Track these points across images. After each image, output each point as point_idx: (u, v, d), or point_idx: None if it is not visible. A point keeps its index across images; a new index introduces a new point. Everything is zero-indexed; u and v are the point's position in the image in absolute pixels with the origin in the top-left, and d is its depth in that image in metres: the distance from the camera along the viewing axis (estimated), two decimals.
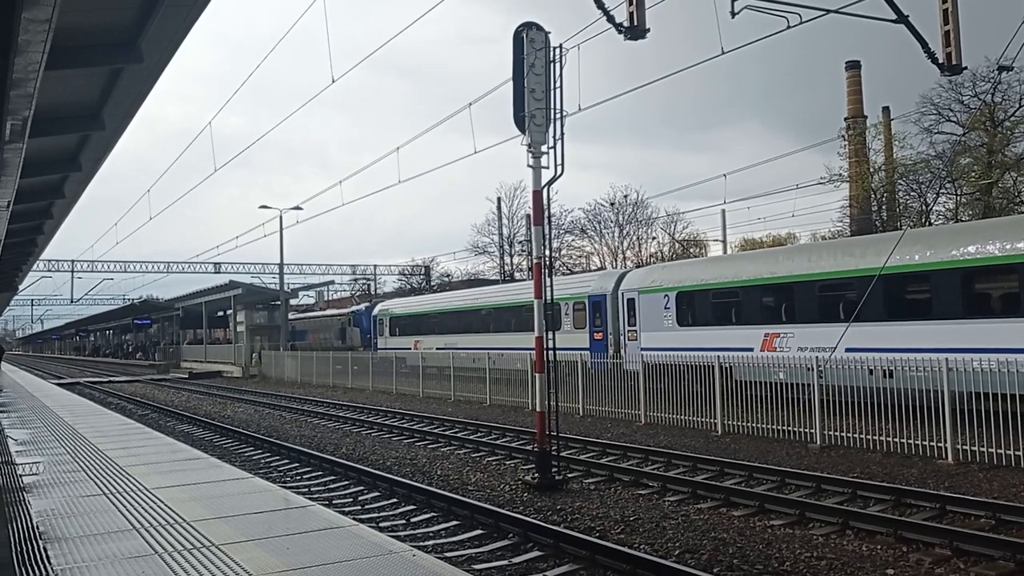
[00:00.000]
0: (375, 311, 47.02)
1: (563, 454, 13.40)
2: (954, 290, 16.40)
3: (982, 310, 15.94)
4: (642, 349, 23.42)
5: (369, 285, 77.94)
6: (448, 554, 8.67)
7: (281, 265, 51.84)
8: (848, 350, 17.18)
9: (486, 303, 36.34)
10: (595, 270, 51.52)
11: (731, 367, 17.75)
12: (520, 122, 12.59)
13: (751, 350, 19.92)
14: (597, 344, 27.39)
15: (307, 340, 53.47)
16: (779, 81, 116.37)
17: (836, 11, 13.04)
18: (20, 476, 9.54)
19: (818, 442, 15.09)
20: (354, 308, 57.48)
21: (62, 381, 44.71)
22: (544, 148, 12.68)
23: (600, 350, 26.51)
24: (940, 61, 12.97)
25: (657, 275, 25.20)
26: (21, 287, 47.65)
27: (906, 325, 17.06)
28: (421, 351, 35.29)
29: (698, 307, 22.80)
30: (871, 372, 15.54)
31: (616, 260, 59.55)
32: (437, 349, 35.52)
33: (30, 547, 6.25)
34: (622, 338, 25.86)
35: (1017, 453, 12.51)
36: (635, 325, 25.00)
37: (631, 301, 25.39)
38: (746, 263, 22.85)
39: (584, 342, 27.65)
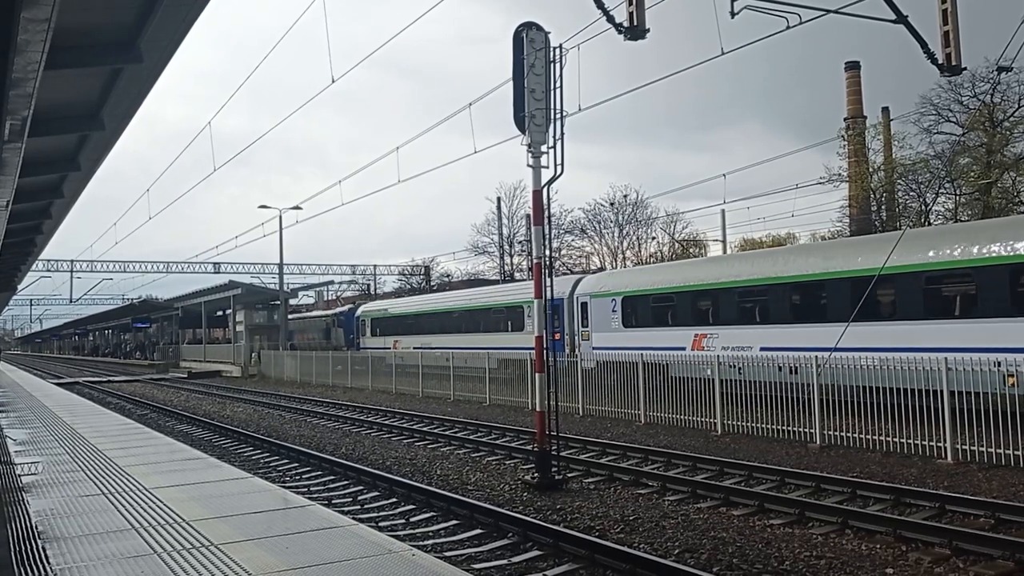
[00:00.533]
0: (357, 312, 49.18)
1: (563, 454, 13.41)
2: (843, 296, 18.43)
3: (864, 314, 17.27)
4: (593, 348, 25.98)
5: (369, 285, 77.98)
6: (447, 553, 8.67)
7: (281, 265, 51.85)
8: (763, 349, 19.32)
9: (456, 306, 38.84)
10: (595, 270, 51.71)
11: (667, 364, 19.44)
12: (520, 122, 12.59)
13: (683, 349, 21.75)
14: (556, 344, 28.47)
15: (294, 340, 55.21)
16: (780, 81, 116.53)
17: (836, 11, 13.04)
18: (19, 476, 9.53)
19: (818, 442, 15.10)
20: (339, 310, 58.39)
21: (61, 381, 44.70)
22: (544, 148, 12.68)
23: (559, 349, 27.32)
24: (940, 61, 12.96)
25: (606, 281, 27.88)
26: (20, 287, 47.64)
27: (809, 327, 19.07)
28: (399, 351, 37.01)
29: (640, 310, 25.15)
30: (780, 369, 17.09)
31: (616, 260, 59.59)
32: (414, 348, 36.77)
33: (29, 547, 6.25)
34: (577, 338, 28.03)
35: (1016, 453, 12.52)
36: (588, 326, 27.35)
37: (584, 305, 27.72)
38: (680, 270, 25.58)
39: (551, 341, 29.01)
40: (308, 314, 68.41)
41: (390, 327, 43.74)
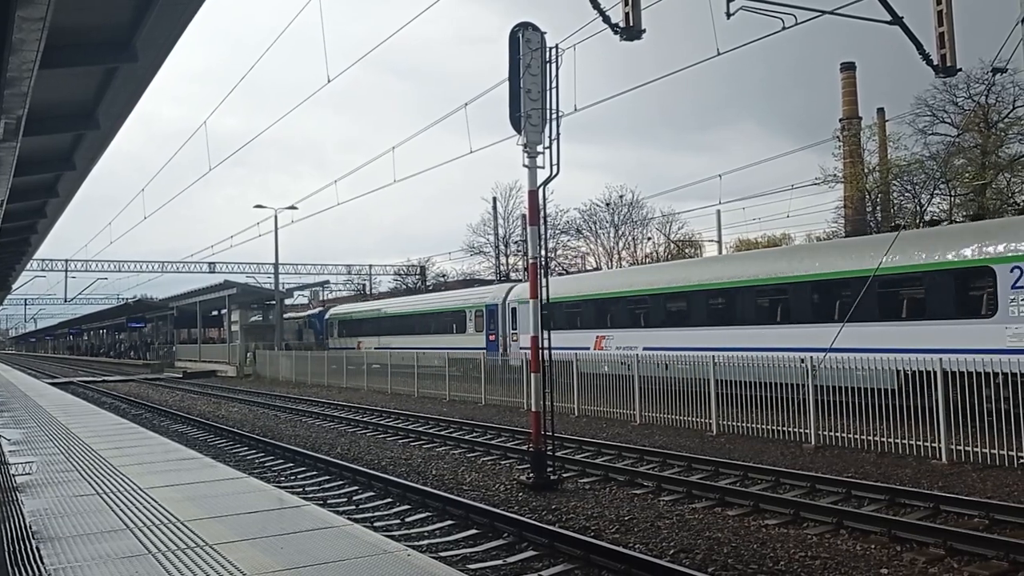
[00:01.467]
0: (326, 315, 53.05)
1: (558, 454, 13.41)
2: (701, 305, 22.81)
3: (718, 320, 22.19)
4: (520, 348, 28.71)
5: (364, 285, 77.91)
6: (443, 554, 8.67)
7: (276, 265, 51.74)
8: (646, 348, 22.72)
9: (411, 310, 42.52)
10: (591, 269, 51.80)
11: (577, 362, 22.03)
12: (516, 122, 12.59)
13: (588, 348, 25.67)
14: (491, 344, 33.01)
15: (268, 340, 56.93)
16: (777, 82, 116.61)
17: (831, 12, 13.06)
18: (13, 476, 9.50)
19: (813, 442, 15.12)
20: (310, 312, 60.17)
21: (56, 380, 44.59)
22: (540, 148, 12.68)
23: (493, 349, 31.98)
24: (935, 63, 12.99)
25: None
26: (14, 286, 47.49)
27: (677, 331, 22.98)
28: (362, 351, 39.89)
29: (556, 316, 27.28)
30: (658, 365, 20.25)
31: (612, 260, 59.63)
32: (375, 348, 40.19)
33: (23, 547, 6.23)
34: (508, 339, 32.06)
35: (1010, 453, 12.56)
36: (516, 329, 31.37)
37: (514, 310, 31.96)
38: (586, 281, 29.98)
39: (482, 343, 33.40)
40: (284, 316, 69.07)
41: (355, 329, 47.46)
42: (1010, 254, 16.09)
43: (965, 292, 16.88)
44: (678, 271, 25.40)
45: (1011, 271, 15.90)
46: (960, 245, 17.24)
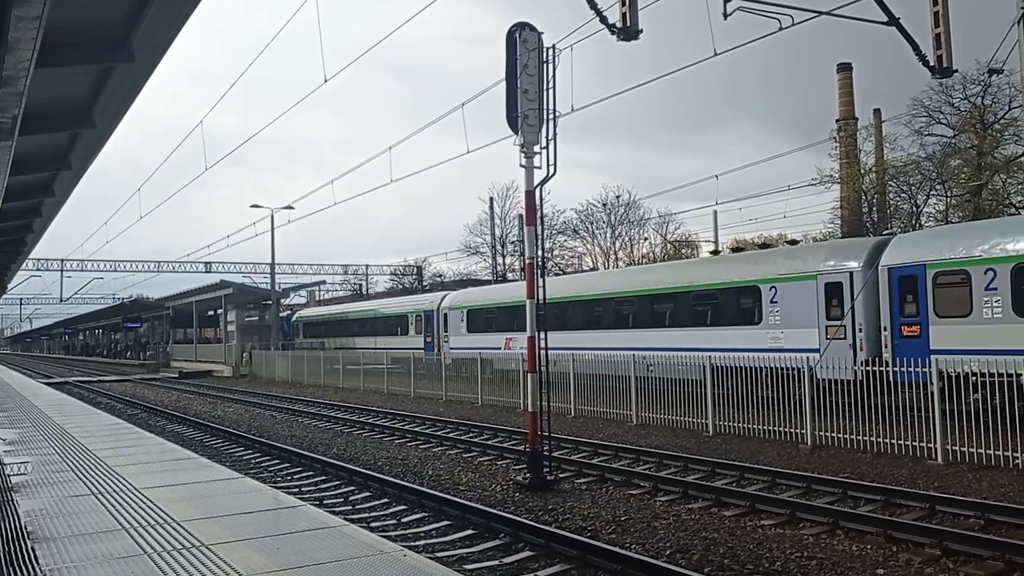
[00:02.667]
0: (293, 317, 58.29)
1: (555, 454, 13.40)
2: (577, 312, 27.89)
3: (591, 325, 27.21)
4: (450, 348, 34.78)
5: (361, 285, 77.87)
6: (439, 554, 8.66)
7: (272, 265, 51.71)
8: (608, 348, 25.74)
9: (366, 314, 47.26)
10: (588, 269, 51.92)
11: (492, 360, 26.51)
12: (513, 122, 12.59)
13: (499, 348, 30.23)
14: (428, 345, 37.89)
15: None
16: (774, 82, 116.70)
17: (828, 13, 13.10)
18: (8, 476, 9.48)
19: (809, 442, 15.14)
20: (281, 315, 60.89)
21: (51, 380, 44.49)
22: (537, 148, 12.68)
23: (430, 350, 36.87)
24: (931, 64, 13.04)
25: (460, 297, 37.26)
26: (10, 286, 47.36)
27: (560, 333, 25.37)
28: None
29: (476, 320, 34.34)
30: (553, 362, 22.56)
31: (608, 261, 59.66)
32: (335, 348, 43.59)
33: (18, 547, 6.22)
34: (441, 340, 36.82)
35: (1006, 454, 12.59)
36: (447, 331, 36.44)
37: (445, 315, 36.86)
38: (499, 292, 35.53)
39: (421, 343, 38.38)
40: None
41: (317, 331, 52.25)
42: (768, 276, 21.04)
43: (742, 305, 21.76)
44: (566, 284, 30.61)
45: (769, 289, 20.89)
46: (741, 268, 22.40)
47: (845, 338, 18.78)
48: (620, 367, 20.12)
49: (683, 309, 23.61)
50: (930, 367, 14.02)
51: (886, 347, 17.98)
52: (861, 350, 18.45)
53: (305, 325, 54.63)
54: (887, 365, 15.92)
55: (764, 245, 26.80)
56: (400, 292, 63.92)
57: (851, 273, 19.15)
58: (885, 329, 18.18)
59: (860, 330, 18.67)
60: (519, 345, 27.31)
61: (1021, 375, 13.75)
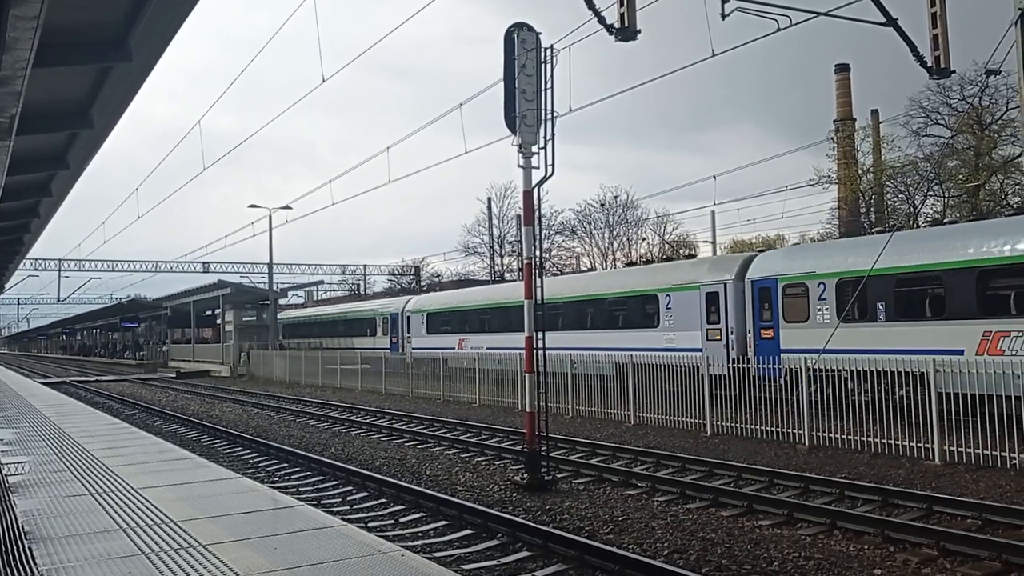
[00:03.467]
0: None
1: (552, 454, 13.41)
2: (502, 317, 31.52)
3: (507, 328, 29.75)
4: (412, 348, 37.92)
5: (358, 286, 77.85)
6: (437, 554, 8.66)
7: (270, 265, 51.67)
8: (488, 348, 30.01)
9: (339, 316, 50.77)
10: (585, 270, 51.96)
11: (447, 359, 28.90)
12: (511, 123, 12.60)
13: (453, 348, 33.64)
14: (394, 345, 41.18)
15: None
16: (772, 83, 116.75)
17: (826, 13, 13.11)
18: (5, 476, 9.47)
19: (807, 443, 15.15)
20: None
21: (49, 380, 44.42)
22: (535, 149, 12.69)
23: (395, 349, 39.92)
24: (929, 64, 13.05)
25: (420, 302, 41.65)
26: (7, 286, 47.29)
27: (498, 335, 30.60)
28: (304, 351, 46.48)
29: (435, 322, 38.23)
30: (495, 360, 26.33)
31: (606, 261, 59.66)
32: (312, 348, 46.54)
33: (15, 547, 6.21)
34: (404, 341, 40.18)
35: (1003, 454, 12.61)
36: (410, 333, 39.98)
37: (408, 318, 40.57)
38: (454, 296, 40.05)
39: (387, 344, 41.59)
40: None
41: (298, 331, 55.34)
42: (663, 286, 24.47)
43: (646, 311, 25.16)
44: (511, 291, 33.08)
45: (665, 297, 24.26)
46: (645, 279, 26.10)
47: (721, 339, 22.03)
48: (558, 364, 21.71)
49: (601, 314, 27.28)
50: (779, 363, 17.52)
51: (751, 347, 21.01)
52: (732, 350, 21.36)
53: (285, 327, 56.86)
54: (750, 362, 18.38)
55: (667, 258, 30.08)
56: (369, 296, 67.54)
57: (725, 284, 22.38)
58: (750, 332, 21.34)
59: (732, 333, 21.87)
60: (470, 345, 32.73)
61: (841, 371, 16.10)
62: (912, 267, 17.58)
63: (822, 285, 19.30)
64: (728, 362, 19.29)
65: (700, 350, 21.60)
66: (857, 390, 15.83)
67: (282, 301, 61.10)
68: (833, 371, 15.89)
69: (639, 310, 25.59)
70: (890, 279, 17.70)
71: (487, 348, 30.06)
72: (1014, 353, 14.96)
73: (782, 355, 18.81)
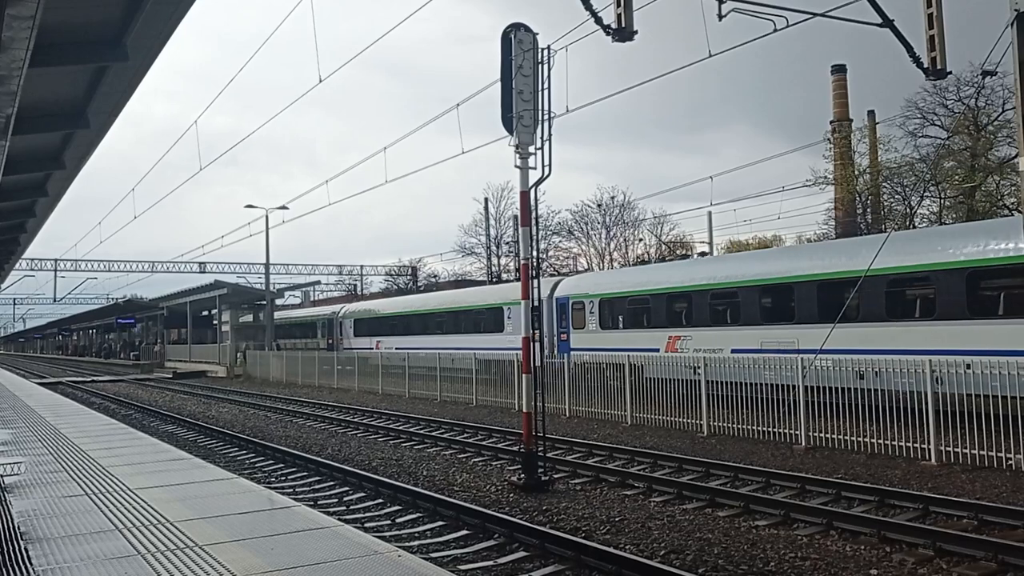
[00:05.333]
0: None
1: (549, 455, 13.41)
2: (452, 321, 36.82)
3: (462, 330, 35.40)
4: (343, 348, 44.51)
5: (355, 286, 77.79)
6: (434, 555, 8.66)
7: (267, 265, 51.62)
8: (397, 348, 36.47)
9: (289, 320, 56.23)
10: (582, 270, 52.04)
11: (388, 358, 33.58)
12: (508, 123, 12.58)
13: (391, 348, 37.84)
14: (330, 346, 47.30)
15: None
16: (770, 83, 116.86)
17: (822, 14, 13.10)
18: (1, 476, 9.45)
19: (803, 443, 15.16)
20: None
21: (44, 380, 44.34)
22: (531, 149, 12.67)
23: (331, 350, 44.82)
24: (925, 65, 13.04)
25: (349, 309, 48.97)
26: (3, 286, 47.19)
27: (449, 336, 35.56)
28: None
29: (360, 327, 45.13)
30: (452, 360, 29.23)
31: (603, 261, 59.67)
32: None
33: (11, 548, 6.20)
34: (338, 343, 46.91)
35: (999, 455, 12.63)
36: (343, 335, 46.76)
37: (342, 322, 47.33)
38: (373, 304, 48.38)
39: (325, 345, 48.02)
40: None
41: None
42: (507, 301, 31.37)
43: (498, 319, 32.79)
44: (409, 302, 43.68)
45: (508, 309, 31.55)
46: (495, 296, 34.57)
47: (539, 341, 23.75)
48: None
49: (466, 321, 35.39)
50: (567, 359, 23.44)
51: (554, 347, 27.81)
52: (545, 349, 25.28)
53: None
54: (553, 357, 25.10)
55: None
56: (320, 303, 72.58)
57: (543, 301, 26.32)
58: (554, 336, 28.32)
59: (545, 336, 26.92)
60: (383, 346, 39.48)
61: (602, 363, 21.36)
62: (635, 292, 25.62)
63: (592, 303, 27.03)
64: (543, 358, 21.95)
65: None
66: (611, 376, 20.81)
67: (278, 301, 61.01)
68: (596, 363, 21.61)
69: (493, 319, 33.38)
70: (623, 299, 25.89)
71: (396, 348, 36.74)
72: (683, 350, 22.30)
73: (571, 352, 25.91)
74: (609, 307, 26.35)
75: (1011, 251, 15.76)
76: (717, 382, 18.47)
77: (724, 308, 22.23)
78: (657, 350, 22.30)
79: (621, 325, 25.70)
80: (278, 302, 59.85)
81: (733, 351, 20.49)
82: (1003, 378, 13.17)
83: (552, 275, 47.93)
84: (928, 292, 17.25)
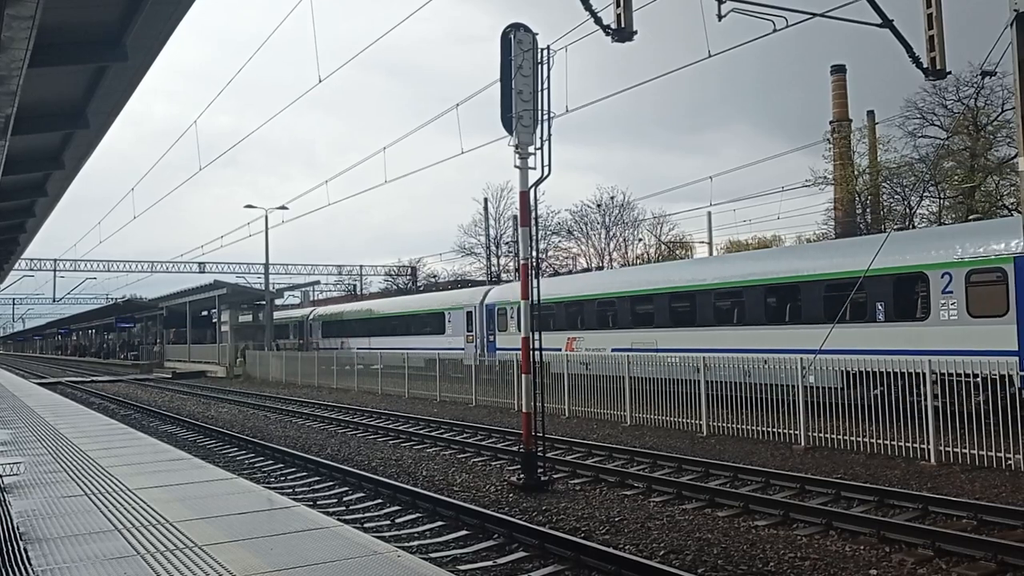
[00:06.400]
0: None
1: (549, 455, 13.41)
2: (376, 325, 43.23)
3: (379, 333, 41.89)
4: (313, 348, 48.72)
5: (355, 286, 77.77)
6: (433, 555, 8.66)
7: (267, 265, 51.64)
8: (358, 348, 39.78)
9: (275, 321, 57.70)
10: (581, 271, 52.07)
11: (340, 357, 37.21)
12: (507, 123, 12.58)
13: (339, 349, 42.51)
14: (302, 345, 51.16)
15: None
16: (769, 83, 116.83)
17: (822, 15, 13.10)
18: (1, 476, 9.45)
19: (802, 443, 15.16)
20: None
21: (44, 380, 44.34)
22: (531, 149, 12.67)
23: (303, 348, 49.21)
24: (924, 65, 13.05)
25: (318, 312, 54.41)
26: (2, 286, 47.19)
27: (385, 338, 40.57)
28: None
29: (328, 328, 49.91)
30: (402, 360, 31.33)
31: (603, 261, 59.64)
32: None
33: (10, 548, 6.20)
34: (308, 342, 51.47)
35: (999, 455, 12.63)
36: (312, 336, 51.70)
37: (311, 324, 52.29)
38: (339, 308, 52.88)
39: (294, 344, 52.94)
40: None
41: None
42: (447, 306, 37.16)
43: (440, 322, 37.17)
44: (363, 306, 50.38)
45: (447, 313, 36.79)
46: (435, 302, 40.01)
47: (473, 342, 33.52)
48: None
49: (416, 324, 39.37)
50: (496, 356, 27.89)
51: (485, 346, 32.33)
52: (477, 349, 32.14)
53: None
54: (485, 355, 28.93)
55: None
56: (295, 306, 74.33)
57: (475, 307, 34.83)
58: (485, 337, 33.12)
59: (477, 337, 33.81)
60: (348, 346, 43.05)
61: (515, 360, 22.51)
62: (543, 300, 27.99)
63: (512, 309, 30.29)
64: (478, 357, 28.36)
65: (463, 349, 33.49)
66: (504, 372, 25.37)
67: (278, 301, 60.98)
68: (508, 361, 25.13)
69: (436, 322, 37.55)
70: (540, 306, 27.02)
71: (357, 348, 40.63)
72: (578, 349, 26.06)
73: (497, 351, 30.21)
74: None
75: (781, 272, 20.84)
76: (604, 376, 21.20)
77: (606, 315, 26.50)
78: (559, 349, 25.54)
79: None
80: (277, 302, 59.82)
81: (613, 350, 23.46)
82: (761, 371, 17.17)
83: (552, 275, 48.21)
84: (738, 302, 21.76)
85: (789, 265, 20.94)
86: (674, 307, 23.54)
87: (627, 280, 27.19)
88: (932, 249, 17.43)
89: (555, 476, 12.91)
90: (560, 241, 61.60)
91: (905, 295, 17.76)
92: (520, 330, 20.50)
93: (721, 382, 18.25)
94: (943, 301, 16.76)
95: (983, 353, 14.81)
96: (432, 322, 37.62)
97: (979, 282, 16.29)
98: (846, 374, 16.42)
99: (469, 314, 34.82)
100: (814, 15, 13.07)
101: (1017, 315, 15.49)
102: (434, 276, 70.66)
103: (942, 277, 16.82)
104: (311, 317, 52.33)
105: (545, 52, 12.71)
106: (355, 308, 50.31)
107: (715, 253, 48.62)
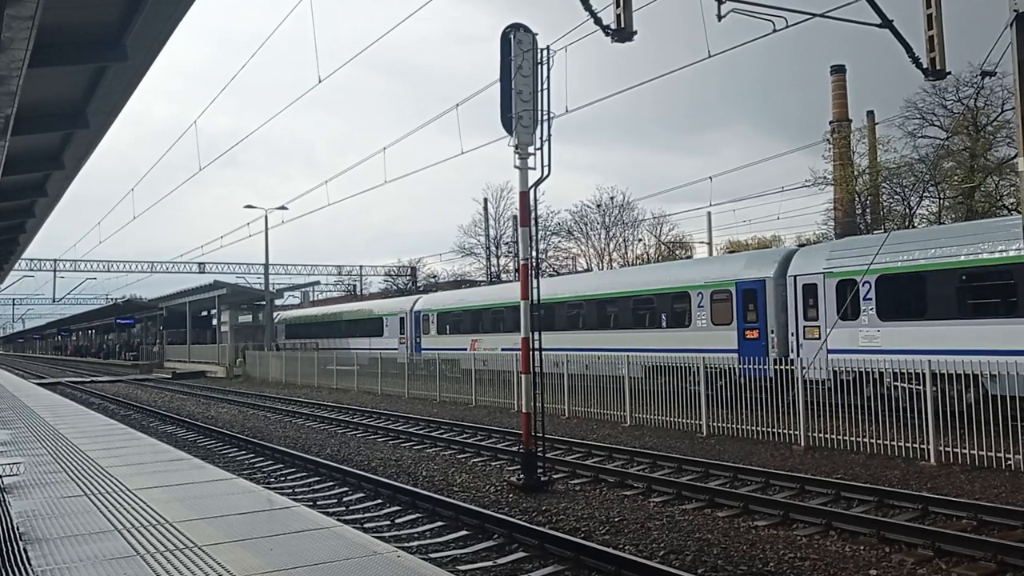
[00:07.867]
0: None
1: (548, 455, 13.41)
2: (347, 327, 46.67)
3: (337, 335, 47.35)
4: (283, 349, 50.06)
5: (355, 286, 77.76)
6: (433, 555, 8.66)
7: (266, 265, 51.64)
8: (341, 348, 43.11)
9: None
10: (581, 271, 52.11)
11: (320, 356, 39.30)
12: (507, 123, 12.59)
13: (329, 348, 44.18)
14: (277, 347, 51.72)
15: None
16: (769, 83, 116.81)
17: (821, 15, 13.10)
18: (0, 477, 9.44)
19: (802, 443, 15.16)
20: None
21: (44, 381, 44.33)
22: (531, 149, 12.68)
23: (277, 348, 50.63)
24: (924, 66, 13.05)
25: (285, 315, 58.67)
26: (2, 286, 47.19)
27: (336, 339, 46.06)
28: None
29: (293, 330, 54.48)
30: (334, 356, 37.02)
31: (602, 262, 59.66)
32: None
33: (10, 548, 6.19)
34: (277, 343, 52.68)
35: (998, 455, 12.63)
36: (278, 338, 53.28)
37: (277, 327, 53.97)
38: (302, 312, 59.22)
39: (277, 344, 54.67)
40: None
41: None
42: (384, 313, 42.31)
43: (382, 326, 41.68)
44: (328, 310, 55.00)
45: (385, 319, 41.56)
46: (376, 308, 44.98)
47: (406, 343, 38.91)
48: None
49: (362, 327, 43.96)
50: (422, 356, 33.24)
51: (414, 347, 37.40)
52: (409, 349, 37.10)
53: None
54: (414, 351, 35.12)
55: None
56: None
57: (407, 312, 39.69)
58: (413, 339, 38.32)
59: (408, 339, 38.72)
60: (307, 347, 46.22)
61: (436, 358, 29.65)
62: (454, 308, 36.12)
63: (433, 315, 37.21)
64: (408, 356, 34.01)
65: (397, 349, 38.56)
66: (456, 371, 29.19)
67: (278, 302, 60.98)
68: (443, 360, 29.17)
69: (376, 326, 42.34)
70: (448, 313, 36.21)
71: (314, 348, 44.58)
72: (479, 349, 30.43)
73: (422, 351, 35.62)
74: (440, 319, 36.98)
75: (605, 288, 27.22)
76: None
77: (495, 320, 32.16)
78: (465, 349, 31.46)
79: (448, 331, 36.23)
80: (277, 302, 59.82)
81: (503, 350, 27.53)
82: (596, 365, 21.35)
83: (552, 275, 48.31)
84: (581, 312, 27.75)
85: (611, 281, 28.55)
86: (547, 314, 26.31)
87: (500, 295, 33.07)
88: (694, 274, 23.74)
89: (555, 476, 12.91)
90: (560, 241, 61.67)
91: (677, 308, 23.70)
92: (437, 332, 23.49)
93: (576, 375, 21.87)
94: (698, 313, 22.90)
95: (718, 352, 20.66)
96: (373, 326, 42.83)
97: (718, 299, 22.35)
98: (647, 368, 20.23)
99: (402, 319, 40.05)
100: (814, 15, 13.07)
101: (737, 324, 21.62)
102: (434, 276, 70.67)
103: (697, 295, 22.90)
104: (276, 320, 55.51)
105: (545, 52, 12.72)
106: (313, 312, 56.82)
107: (715, 253, 48.63)
